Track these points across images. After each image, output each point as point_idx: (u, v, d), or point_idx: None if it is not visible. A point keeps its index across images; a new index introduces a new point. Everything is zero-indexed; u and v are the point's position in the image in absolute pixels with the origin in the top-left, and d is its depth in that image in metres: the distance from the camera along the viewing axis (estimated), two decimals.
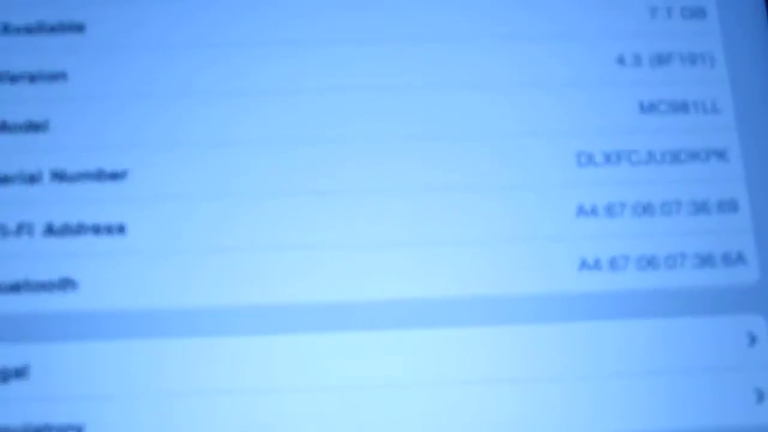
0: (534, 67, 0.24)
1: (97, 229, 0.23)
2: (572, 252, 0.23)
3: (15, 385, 0.22)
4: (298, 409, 0.22)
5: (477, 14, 0.24)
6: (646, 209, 0.23)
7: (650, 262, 0.23)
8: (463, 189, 0.23)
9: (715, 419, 0.22)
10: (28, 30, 0.24)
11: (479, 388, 0.22)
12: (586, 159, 0.24)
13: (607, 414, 0.22)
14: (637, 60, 0.24)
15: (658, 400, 0.22)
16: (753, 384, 0.22)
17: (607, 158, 0.24)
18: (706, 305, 0.23)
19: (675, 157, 0.24)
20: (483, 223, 0.23)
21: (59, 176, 0.23)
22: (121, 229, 0.23)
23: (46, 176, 0.23)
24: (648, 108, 0.24)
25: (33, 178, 0.23)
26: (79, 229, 0.23)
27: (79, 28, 0.24)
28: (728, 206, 0.23)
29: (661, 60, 0.24)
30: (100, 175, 0.23)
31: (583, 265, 0.23)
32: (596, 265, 0.23)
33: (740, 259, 0.23)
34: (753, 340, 0.23)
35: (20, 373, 0.22)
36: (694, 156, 0.24)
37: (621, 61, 0.24)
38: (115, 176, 0.23)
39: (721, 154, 0.24)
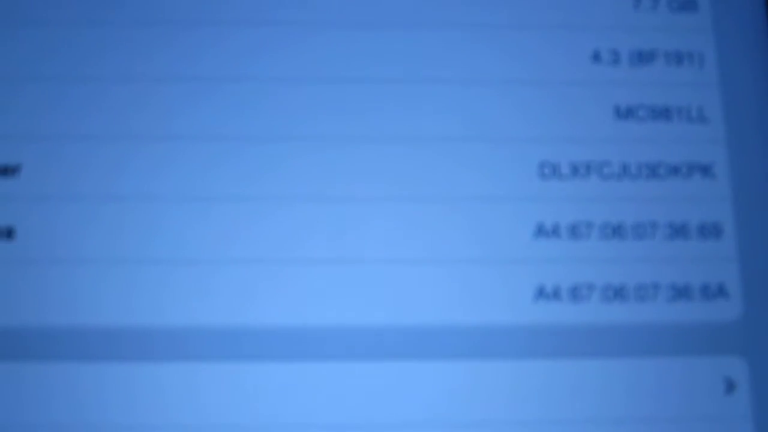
0: (493, 63, 0.23)
1: None
2: (528, 278, 0.22)
3: None
4: None
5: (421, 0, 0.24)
6: (616, 231, 0.23)
7: (618, 293, 0.22)
8: (402, 200, 0.22)
9: None
10: None
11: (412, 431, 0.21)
12: (549, 170, 0.23)
13: None
14: (615, 57, 0.24)
15: None
16: None
17: (575, 170, 0.23)
18: (679, 344, 0.22)
19: (653, 171, 0.23)
20: (426, 241, 0.22)
21: None
22: (9, 233, 0.22)
23: None
24: (625, 113, 0.23)
25: None
26: None
27: None
28: (711, 231, 0.23)
29: (643, 58, 0.24)
30: None
31: (540, 293, 0.22)
32: (555, 294, 0.22)
33: (721, 291, 0.22)
34: (730, 386, 0.22)
35: None
36: (674, 171, 0.23)
37: (596, 57, 0.24)
38: (5, 172, 0.22)
39: (705, 170, 0.23)
